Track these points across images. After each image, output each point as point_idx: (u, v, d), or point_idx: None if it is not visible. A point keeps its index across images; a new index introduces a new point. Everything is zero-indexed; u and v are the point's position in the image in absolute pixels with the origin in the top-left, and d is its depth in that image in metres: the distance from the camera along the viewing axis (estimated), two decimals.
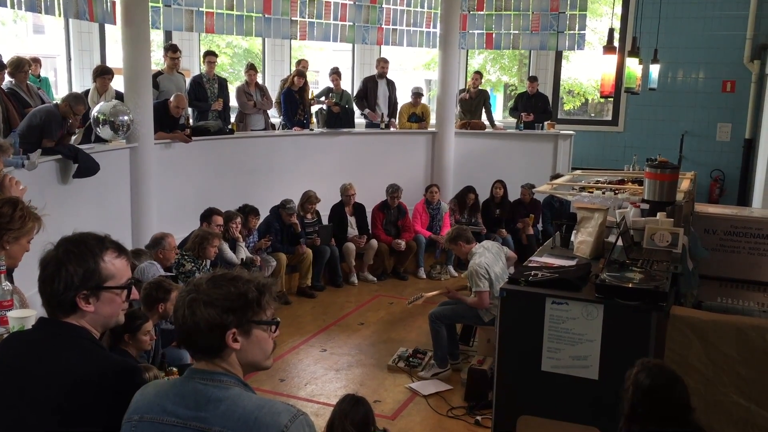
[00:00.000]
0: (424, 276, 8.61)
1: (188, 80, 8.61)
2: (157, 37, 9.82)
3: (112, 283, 1.94)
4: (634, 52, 7.37)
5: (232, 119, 8.92)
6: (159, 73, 8.09)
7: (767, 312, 4.27)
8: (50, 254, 1.91)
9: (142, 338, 3.98)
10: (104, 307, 1.94)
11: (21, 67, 6.59)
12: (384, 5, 10.10)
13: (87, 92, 7.28)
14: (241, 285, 1.76)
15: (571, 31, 10.28)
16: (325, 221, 8.39)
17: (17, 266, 2.81)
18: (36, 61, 7.93)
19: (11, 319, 2.54)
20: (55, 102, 6.27)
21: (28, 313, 2.55)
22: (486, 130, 10.33)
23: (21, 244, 2.59)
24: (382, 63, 9.97)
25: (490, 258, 5.57)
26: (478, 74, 10.49)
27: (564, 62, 12.13)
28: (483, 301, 5.41)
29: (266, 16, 9.16)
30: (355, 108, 9.95)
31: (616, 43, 5.87)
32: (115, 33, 7.88)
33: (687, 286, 4.11)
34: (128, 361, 2.15)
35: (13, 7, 6.24)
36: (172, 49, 8.20)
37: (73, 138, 7.06)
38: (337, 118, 9.42)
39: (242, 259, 6.91)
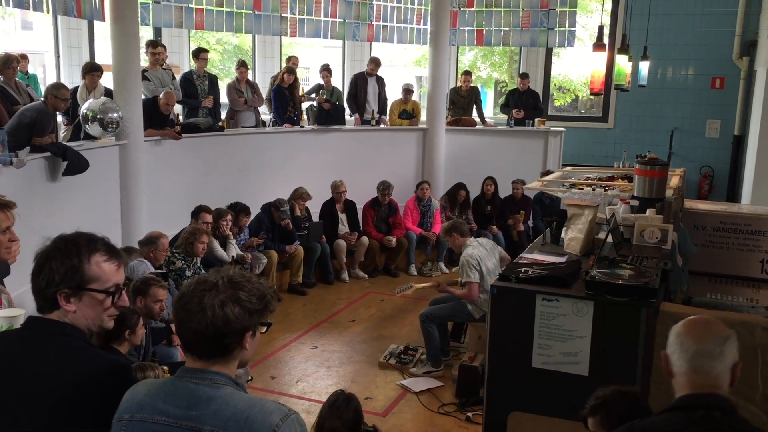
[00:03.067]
0: (415, 273, 8.61)
1: (178, 76, 8.57)
2: (146, 34, 9.77)
3: (96, 285, 1.90)
4: (624, 49, 7.40)
5: (223, 116, 8.89)
6: (144, 70, 8.03)
7: (756, 307, 4.30)
8: (42, 249, 1.91)
9: (140, 333, 4.02)
10: (86, 309, 1.91)
11: (9, 63, 6.54)
12: (374, 2, 10.09)
13: (76, 89, 7.23)
14: (260, 287, 1.79)
15: (562, 28, 10.30)
16: (315, 218, 8.38)
17: (9, 261, 2.77)
18: (24, 58, 7.88)
19: None
20: (42, 99, 6.24)
21: (16, 313, 2.53)
22: (477, 126, 10.34)
23: None
24: (372, 66, 9.90)
25: (483, 252, 5.58)
26: (468, 74, 10.50)
27: (554, 59, 12.17)
28: (472, 292, 5.41)
29: (256, 12, 9.12)
30: (346, 106, 9.94)
31: (605, 40, 5.89)
32: (104, 29, 7.84)
33: (677, 283, 4.13)
34: (119, 359, 2.14)
35: (0, 3, 6.19)
36: (152, 45, 8.15)
37: (62, 135, 7.03)
38: (328, 114, 9.40)
39: (233, 256, 6.89)
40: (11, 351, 1.91)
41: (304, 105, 9.61)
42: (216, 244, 6.73)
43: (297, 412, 1.74)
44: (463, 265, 5.46)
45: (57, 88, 6.19)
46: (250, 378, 5.09)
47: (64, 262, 1.87)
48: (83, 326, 1.94)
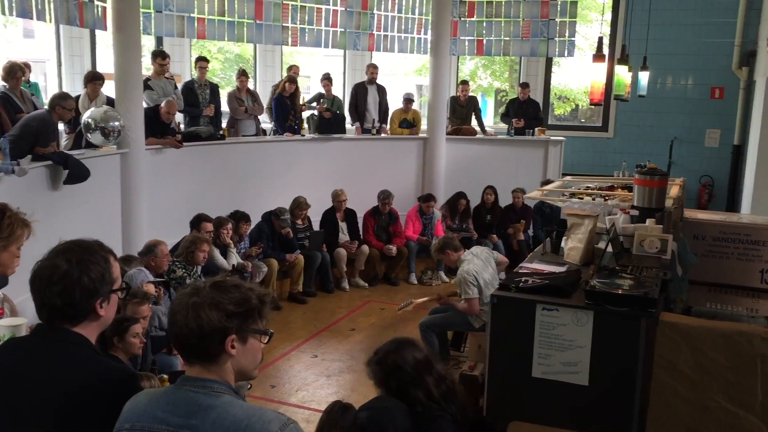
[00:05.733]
0: (416, 282, 8.62)
1: (180, 86, 8.60)
2: (148, 43, 9.81)
3: (116, 285, 1.98)
4: (624, 60, 7.42)
5: (224, 125, 8.92)
6: (147, 79, 8.07)
7: (756, 317, 4.30)
8: (56, 266, 1.88)
9: (131, 340, 3.93)
10: (111, 310, 1.98)
11: (14, 72, 6.57)
12: (375, 11, 10.13)
13: (78, 98, 7.26)
14: (245, 292, 1.79)
15: (561, 38, 10.34)
16: (316, 227, 8.39)
17: (8, 274, 2.79)
18: (26, 66, 7.90)
19: (2, 328, 2.54)
20: (46, 108, 6.26)
21: (19, 321, 2.54)
22: (477, 136, 10.37)
23: (10, 252, 2.58)
24: (372, 69, 9.99)
25: (480, 264, 5.58)
26: (465, 83, 10.53)
27: (555, 68, 12.21)
28: (473, 307, 5.43)
29: (257, 22, 9.17)
30: (347, 114, 9.97)
31: (605, 51, 5.92)
32: (106, 38, 7.87)
33: (676, 292, 4.13)
34: (126, 367, 2.16)
35: (4, 13, 6.23)
36: (161, 56, 8.18)
37: (63, 144, 7.05)
38: (329, 123, 9.43)
39: (233, 265, 6.90)
40: (21, 357, 1.93)
41: (305, 114, 9.64)
42: (216, 253, 6.73)
43: (296, 421, 1.75)
44: (461, 283, 5.47)
45: (65, 98, 6.21)
46: (249, 386, 5.08)
47: (96, 270, 1.91)
48: (102, 328, 2.00)
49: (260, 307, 1.80)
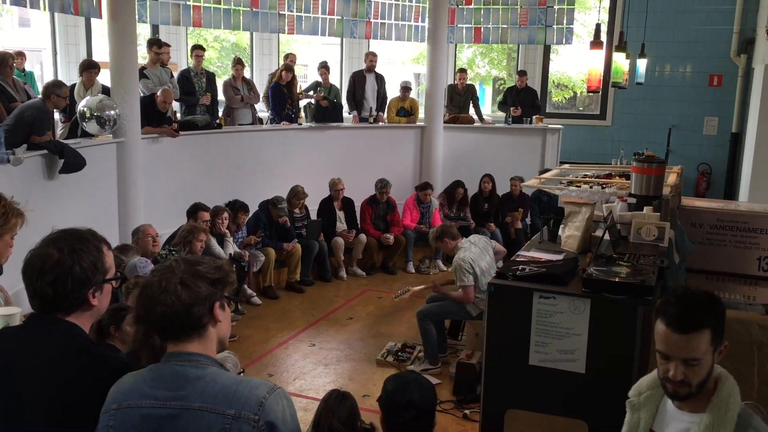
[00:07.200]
0: (413, 270, 8.62)
1: (176, 74, 8.56)
2: (143, 31, 9.76)
3: (110, 275, 1.97)
4: (622, 47, 7.40)
5: (220, 113, 8.89)
6: (143, 68, 8.03)
7: (753, 305, 4.31)
8: (48, 255, 1.87)
9: (127, 329, 3.93)
10: (104, 300, 1.97)
11: (6, 61, 6.53)
12: None
13: (73, 86, 7.22)
14: (214, 261, 1.87)
15: (559, 25, 10.29)
16: (313, 216, 8.38)
17: (1, 263, 2.78)
18: (21, 55, 7.86)
19: None
20: (40, 97, 6.23)
21: (13, 311, 2.52)
22: (474, 124, 10.34)
23: (4, 241, 2.56)
24: (371, 57, 9.97)
25: (476, 252, 5.58)
26: (463, 72, 10.50)
27: (553, 55, 12.17)
28: (468, 295, 5.43)
29: (254, 9, 9.12)
30: (344, 103, 9.95)
31: (603, 38, 5.90)
32: (101, 27, 7.83)
33: (674, 280, 4.13)
34: (119, 356, 2.16)
35: None
36: (157, 44, 8.13)
37: (59, 133, 7.02)
38: (326, 112, 9.40)
39: (230, 254, 6.89)
40: (14, 347, 1.92)
41: (302, 102, 9.61)
42: (213, 242, 6.71)
43: (282, 387, 1.80)
44: (456, 270, 5.47)
45: (58, 86, 6.18)
46: (242, 371, 5.06)
47: (88, 260, 1.90)
48: (95, 319, 2.00)
49: (230, 272, 1.88)
